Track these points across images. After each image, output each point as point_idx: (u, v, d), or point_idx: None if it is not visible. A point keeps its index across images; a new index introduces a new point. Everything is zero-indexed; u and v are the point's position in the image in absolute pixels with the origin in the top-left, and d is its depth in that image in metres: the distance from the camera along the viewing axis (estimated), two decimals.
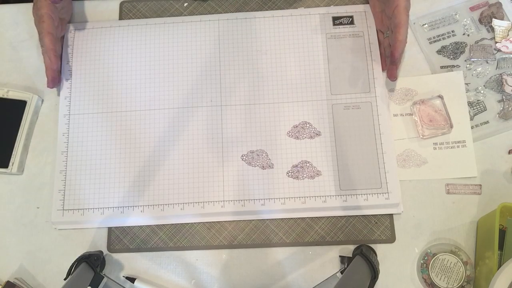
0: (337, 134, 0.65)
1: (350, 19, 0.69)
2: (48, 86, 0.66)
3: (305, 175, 0.63)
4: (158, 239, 0.64)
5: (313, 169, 0.64)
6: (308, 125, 0.65)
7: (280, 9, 0.71)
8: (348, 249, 0.62)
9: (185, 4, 0.73)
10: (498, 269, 0.51)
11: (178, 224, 0.64)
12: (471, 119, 0.65)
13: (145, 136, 0.66)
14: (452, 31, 0.69)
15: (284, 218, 0.63)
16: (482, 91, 0.66)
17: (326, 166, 0.64)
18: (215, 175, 0.64)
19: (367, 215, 0.63)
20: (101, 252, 0.62)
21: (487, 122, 0.65)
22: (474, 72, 0.67)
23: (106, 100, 0.68)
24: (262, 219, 0.64)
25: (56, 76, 0.66)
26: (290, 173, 0.64)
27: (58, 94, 0.69)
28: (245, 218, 0.64)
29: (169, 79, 0.68)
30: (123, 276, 0.62)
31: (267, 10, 0.72)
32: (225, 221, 0.64)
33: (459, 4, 0.70)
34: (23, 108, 0.67)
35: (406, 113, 0.66)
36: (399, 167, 0.64)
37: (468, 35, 0.68)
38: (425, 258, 0.60)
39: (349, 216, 0.63)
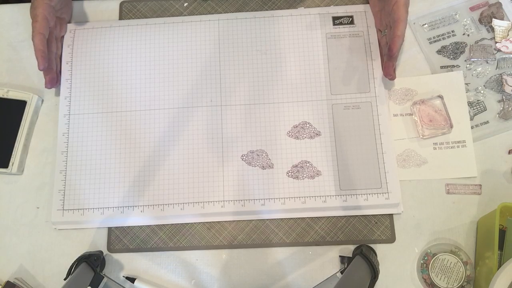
0: (337, 134, 0.65)
1: (350, 19, 0.69)
2: (45, 87, 0.66)
3: (305, 175, 0.63)
4: (158, 239, 0.64)
5: (313, 169, 0.64)
6: (308, 125, 0.65)
7: (280, 9, 0.71)
8: (348, 249, 0.62)
9: (185, 4, 0.73)
10: (498, 269, 0.51)
11: (178, 224, 0.64)
12: (471, 119, 0.65)
13: (145, 136, 0.66)
14: (452, 31, 0.69)
15: (284, 218, 0.63)
16: (482, 91, 0.66)
17: (326, 166, 0.64)
18: (215, 175, 0.64)
19: (367, 215, 0.63)
20: (101, 252, 0.62)
21: (487, 122, 0.65)
22: (474, 72, 0.67)
23: (106, 100, 0.68)
24: (262, 219, 0.64)
25: (53, 76, 0.66)
26: (290, 173, 0.64)
27: (58, 94, 0.69)
28: (245, 218, 0.64)
29: (169, 79, 0.68)
30: (123, 276, 0.62)
31: (267, 10, 0.72)
32: (225, 221, 0.64)
33: (459, 4, 0.70)
34: (23, 108, 0.67)
35: (406, 113, 0.66)
36: (399, 167, 0.64)
37: (468, 35, 0.68)
38: (425, 258, 0.60)
39: (349, 216, 0.63)
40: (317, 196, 0.62)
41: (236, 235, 0.63)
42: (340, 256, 0.61)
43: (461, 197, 0.63)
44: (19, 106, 0.67)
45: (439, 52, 0.68)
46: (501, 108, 0.65)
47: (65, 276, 0.58)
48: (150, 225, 0.64)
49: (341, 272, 0.59)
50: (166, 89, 0.68)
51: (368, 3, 0.70)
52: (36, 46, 0.63)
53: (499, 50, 0.67)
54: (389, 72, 0.64)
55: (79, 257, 0.59)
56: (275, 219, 0.63)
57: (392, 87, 0.67)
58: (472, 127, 0.65)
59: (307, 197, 0.63)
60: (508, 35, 0.67)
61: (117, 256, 0.63)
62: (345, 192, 0.62)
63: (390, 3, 0.61)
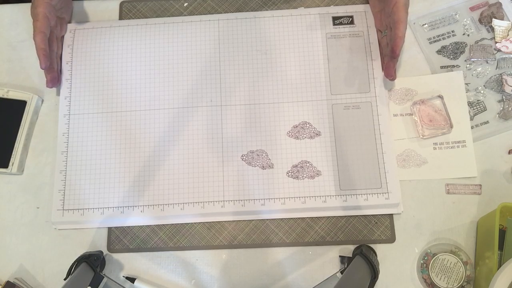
0: (337, 134, 0.65)
1: (350, 19, 0.69)
2: (47, 86, 0.66)
3: (305, 175, 0.63)
4: (158, 239, 0.64)
5: (313, 169, 0.64)
6: (308, 125, 0.65)
7: (280, 9, 0.71)
8: (348, 249, 0.62)
9: (185, 4, 0.73)
10: (498, 269, 0.51)
11: (178, 224, 0.64)
12: (471, 119, 0.65)
13: (145, 136, 0.66)
14: (452, 31, 0.69)
15: (284, 218, 0.63)
16: (482, 91, 0.66)
17: (326, 166, 0.64)
18: (215, 175, 0.64)
19: (367, 215, 0.63)
20: (101, 252, 0.62)
21: (487, 122, 0.65)
22: (474, 72, 0.67)
23: (106, 100, 0.68)
24: (262, 219, 0.64)
25: (54, 76, 0.66)
26: (290, 173, 0.64)
27: (58, 94, 0.69)
28: (245, 218, 0.64)
29: (169, 79, 0.68)
30: (123, 276, 0.62)
31: (267, 10, 0.72)
32: (225, 221, 0.64)
33: (459, 4, 0.70)
34: (23, 108, 0.67)
35: (406, 113, 0.66)
36: (399, 167, 0.64)
37: (468, 35, 0.68)
38: (425, 258, 0.60)
39: (349, 216, 0.63)
40: (317, 196, 0.62)
41: (236, 235, 0.63)
42: (340, 256, 0.61)
43: (461, 197, 0.63)
44: (19, 106, 0.67)
45: (439, 52, 0.68)
46: (501, 108, 0.65)
47: (65, 276, 0.58)
48: (150, 225, 0.64)
49: (341, 272, 0.59)
50: (166, 89, 0.68)
51: (368, 3, 0.70)
52: (38, 45, 0.63)
53: (499, 50, 0.67)
54: (390, 72, 0.64)
55: (79, 257, 0.59)
56: (275, 219, 0.63)
57: (392, 87, 0.67)
58: (472, 127, 0.65)
59: (307, 197, 0.63)
60: (508, 35, 0.67)
61: (117, 256, 0.63)
62: (345, 192, 0.62)
63: (390, 4, 0.61)
